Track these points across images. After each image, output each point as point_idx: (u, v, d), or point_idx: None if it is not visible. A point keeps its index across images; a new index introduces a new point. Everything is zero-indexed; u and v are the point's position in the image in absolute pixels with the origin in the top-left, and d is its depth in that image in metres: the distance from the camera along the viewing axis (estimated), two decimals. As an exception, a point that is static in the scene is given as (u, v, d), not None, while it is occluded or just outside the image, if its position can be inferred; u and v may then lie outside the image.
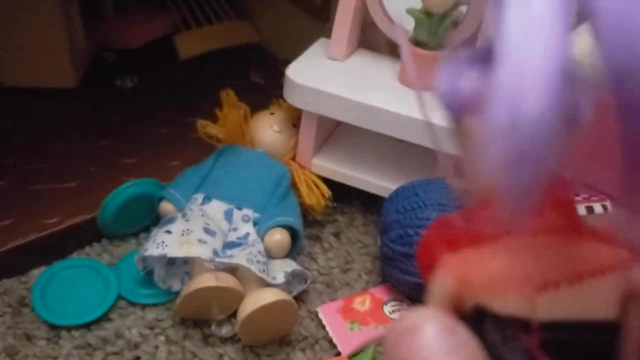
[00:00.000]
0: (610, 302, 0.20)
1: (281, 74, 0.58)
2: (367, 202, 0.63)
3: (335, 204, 0.61)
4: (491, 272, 0.20)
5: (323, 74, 0.57)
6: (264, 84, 0.75)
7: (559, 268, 0.19)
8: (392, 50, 0.61)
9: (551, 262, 0.19)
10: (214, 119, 0.61)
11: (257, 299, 0.46)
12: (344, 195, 0.62)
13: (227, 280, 0.48)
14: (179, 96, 0.72)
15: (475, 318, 0.20)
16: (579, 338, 0.19)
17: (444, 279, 0.21)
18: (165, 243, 0.49)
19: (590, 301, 0.19)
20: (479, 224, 0.21)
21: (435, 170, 0.57)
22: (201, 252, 0.48)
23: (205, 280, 0.47)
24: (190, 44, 0.78)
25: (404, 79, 0.57)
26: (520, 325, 0.19)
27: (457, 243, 0.21)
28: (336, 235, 0.60)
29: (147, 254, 0.49)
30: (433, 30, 0.54)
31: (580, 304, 0.19)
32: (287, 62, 0.59)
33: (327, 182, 0.60)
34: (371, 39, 0.61)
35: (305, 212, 0.59)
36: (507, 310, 0.19)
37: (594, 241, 0.19)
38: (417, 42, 0.55)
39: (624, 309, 0.20)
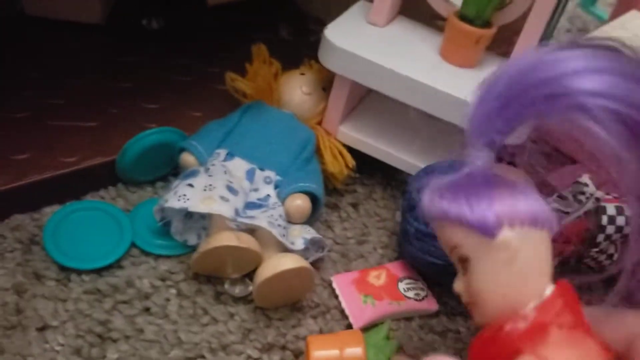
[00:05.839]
0: None
1: (310, 32, 0.55)
2: (389, 176, 0.62)
3: (357, 175, 0.60)
4: None
5: (362, 38, 0.55)
6: (292, 41, 0.73)
7: None
8: (434, 22, 0.59)
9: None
10: (239, 71, 0.59)
11: (277, 263, 0.46)
12: (366, 166, 0.61)
13: (248, 242, 0.47)
14: (204, 44, 0.70)
15: None
16: None
17: None
18: (187, 196, 0.48)
19: None
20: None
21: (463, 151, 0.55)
22: (223, 209, 0.47)
23: (227, 238, 0.46)
24: (220, -9, 0.75)
25: (444, 54, 0.55)
26: None
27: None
28: (354, 206, 0.59)
29: (167, 205, 0.48)
30: (482, 7, 0.52)
31: None
32: (318, 19, 0.56)
33: (351, 151, 0.59)
34: (414, 7, 0.59)
35: (326, 179, 0.58)
36: None
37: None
38: (462, 17, 0.53)
39: None
